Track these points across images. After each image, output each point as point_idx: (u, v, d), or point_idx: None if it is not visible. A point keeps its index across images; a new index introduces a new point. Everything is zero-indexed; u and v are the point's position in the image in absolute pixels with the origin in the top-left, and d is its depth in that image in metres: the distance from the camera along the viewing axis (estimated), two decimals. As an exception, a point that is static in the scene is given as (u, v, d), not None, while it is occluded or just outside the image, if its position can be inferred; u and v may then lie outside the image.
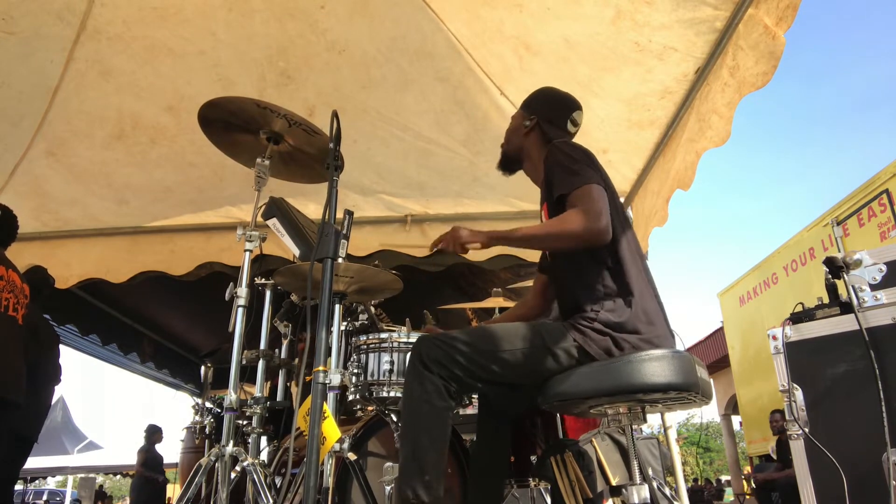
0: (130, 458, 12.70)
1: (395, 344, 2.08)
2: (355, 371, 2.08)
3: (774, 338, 1.81)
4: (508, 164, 2.09)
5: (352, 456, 1.95)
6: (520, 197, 3.60)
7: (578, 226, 1.61)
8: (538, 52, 2.67)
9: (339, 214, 1.80)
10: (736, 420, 14.86)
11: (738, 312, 9.29)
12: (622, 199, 3.58)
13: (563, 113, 1.98)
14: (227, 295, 2.04)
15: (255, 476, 1.82)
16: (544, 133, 1.97)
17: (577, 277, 1.76)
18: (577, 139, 2.05)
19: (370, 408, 2.37)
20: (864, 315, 1.68)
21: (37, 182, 3.46)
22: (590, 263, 1.72)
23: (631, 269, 1.71)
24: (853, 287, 1.73)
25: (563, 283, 1.87)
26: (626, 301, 1.67)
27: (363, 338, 2.15)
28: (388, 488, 1.96)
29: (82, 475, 12.85)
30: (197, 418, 3.30)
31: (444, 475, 1.58)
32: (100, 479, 16.89)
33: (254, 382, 2.34)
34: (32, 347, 3.12)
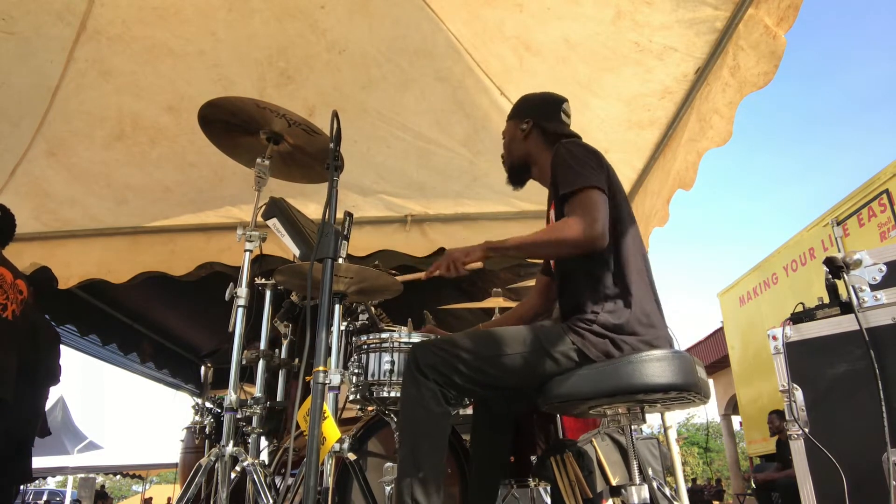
0: (130, 458, 12.74)
1: (396, 344, 2.08)
2: (356, 371, 2.08)
3: (774, 338, 1.81)
4: (517, 174, 2.05)
5: (352, 456, 1.95)
6: (520, 197, 3.60)
7: (572, 234, 1.61)
8: (538, 52, 2.67)
9: (339, 215, 1.80)
10: (736, 420, 14.86)
11: (738, 312, 9.29)
12: (622, 199, 3.58)
13: (554, 107, 1.99)
14: (227, 295, 2.04)
15: (255, 476, 1.82)
16: (544, 131, 1.96)
17: (578, 278, 1.75)
18: None
19: (370, 408, 2.37)
20: (864, 315, 1.68)
21: (37, 182, 3.46)
22: (591, 264, 1.72)
23: (632, 271, 1.70)
24: (853, 287, 1.73)
25: (565, 284, 1.87)
26: (625, 302, 1.66)
27: (363, 338, 2.15)
28: (388, 488, 1.96)
29: (82, 475, 12.84)
30: (197, 418, 3.30)
31: (443, 480, 1.58)
32: (100, 479, 16.89)
33: (254, 382, 2.34)
34: (31, 348, 3.11)
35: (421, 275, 1.95)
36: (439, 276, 1.79)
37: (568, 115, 2.00)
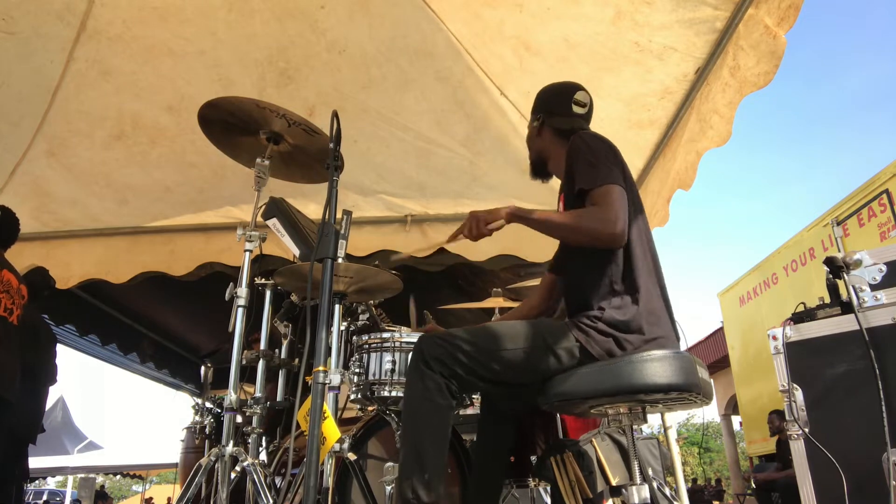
0: (130, 458, 12.74)
1: (397, 343, 2.08)
2: (357, 370, 2.08)
3: (774, 338, 1.81)
4: (537, 169, 2.07)
5: (352, 456, 1.95)
6: (520, 197, 3.60)
7: (595, 226, 1.61)
8: (538, 52, 2.67)
9: (339, 214, 1.80)
10: (736, 420, 14.87)
11: (738, 312, 9.29)
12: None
13: (563, 98, 1.96)
14: (227, 295, 2.04)
15: (255, 476, 1.82)
16: (553, 126, 1.95)
17: (588, 273, 1.74)
18: None
19: (371, 408, 2.37)
20: (864, 315, 1.68)
21: (37, 182, 3.46)
22: (601, 259, 1.71)
23: (641, 267, 1.69)
24: (853, 287, 1.73)
25: (573, 280, 1.86)
26: (633, 299, 1.66)
27: (365, 337, 2.15)
28: (388, 488, 1.96)
29: (82, 475, 12.84)
30: (197, 418, 3.30)
31: (444, 474, 1.58)
32: (100, 479, 16.89)
33: (254, 382, 2.34)
34: (31, 349, 3.13)
35: (444, 242, 1.94)
36: (463, 238, 1.79)
37: (582, 104, 1.96)
